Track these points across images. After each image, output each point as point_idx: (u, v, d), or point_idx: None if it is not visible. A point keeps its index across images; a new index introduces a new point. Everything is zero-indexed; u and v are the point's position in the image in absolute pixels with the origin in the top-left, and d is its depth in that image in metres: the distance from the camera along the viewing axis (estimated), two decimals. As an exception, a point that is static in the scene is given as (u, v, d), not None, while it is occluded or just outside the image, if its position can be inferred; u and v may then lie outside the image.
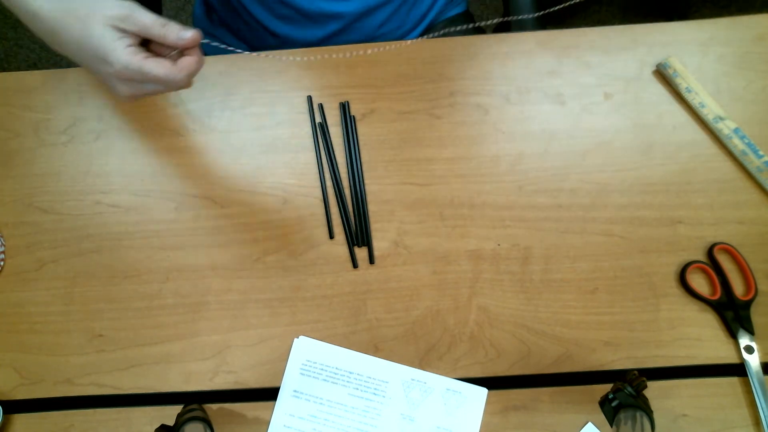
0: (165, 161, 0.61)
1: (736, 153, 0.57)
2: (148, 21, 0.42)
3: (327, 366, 0.54)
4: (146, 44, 0.45)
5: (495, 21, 0.78)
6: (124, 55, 0.42)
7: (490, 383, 0.52)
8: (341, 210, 0.58)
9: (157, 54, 0.45)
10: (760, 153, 0.57)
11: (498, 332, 0.54)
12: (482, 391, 0.52)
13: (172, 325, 0.55)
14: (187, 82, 0.45)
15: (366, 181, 0.59)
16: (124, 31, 0.43)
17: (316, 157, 0.60)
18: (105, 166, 0.61)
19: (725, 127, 0.57)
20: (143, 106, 0.63)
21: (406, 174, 0.59)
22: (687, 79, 0.59)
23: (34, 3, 0.45)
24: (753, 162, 0.57)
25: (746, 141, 0.57)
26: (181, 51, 0.45)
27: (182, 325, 0.55)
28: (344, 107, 0.62)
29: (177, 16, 1.57)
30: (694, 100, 0.58)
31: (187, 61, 0.44)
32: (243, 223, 0.58)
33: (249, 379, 0.53)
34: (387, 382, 0.53)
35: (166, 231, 0.58)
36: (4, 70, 1.51)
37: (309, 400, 0.53)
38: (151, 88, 0.45)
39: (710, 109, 0.58)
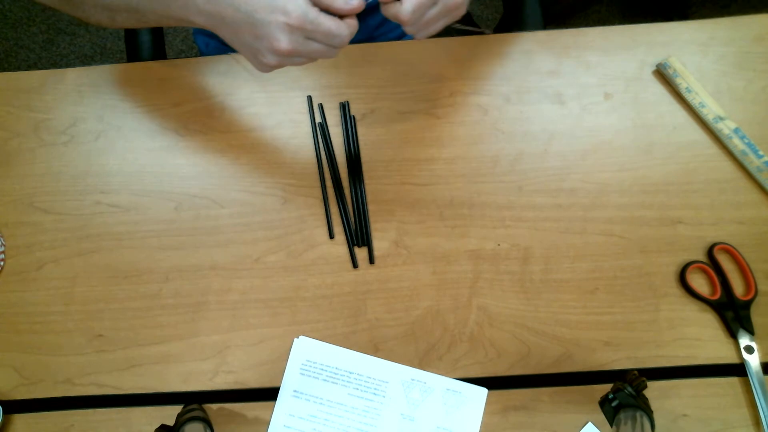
0: (165, 161, 0.61)
1: (736, 153, 0.57)
2: None
3: (327, 366, 0.54)
4: None
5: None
6: (304, 3, 0.43)
7: (490, 383, 0.52)
8: (341, 210, 0.58)
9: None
10: (760, 153, 0.57)
11: (498, 332, 0.54)
12: (482, 391, 0.52)
13: (172, 325, 0.55)
14: (346, 41, 0.46)
15: (366, 181, 0.59)
16: None
17: (316, 157, 0.60)
18: (105, 166, 0.61)
19: (725, 127, 0.58)
20: (143, 106, 0.63)
21: (406, 174, 0.59)
22: (687, 79, 0.59)
23: None
24: (753, 162, 0.57)
25: (746, 141, 0.57)
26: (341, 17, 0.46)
27: (182, 325, 0.55)
28: (344, 107, 0.62)
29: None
30: (694, 100, 0.58)
31: (353, 21, 0.45)
32: (243, 223, 0.58)
33: (249, 379, 0.53)
34: (387, 382, 0.53)
35: (166, 231, 0.58)
36: (4, 70, 1.51)
37: (309, 400, 0.53)
38: (312, 47, 0.46)
39: (710, 109, 0.58)
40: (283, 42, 0.45)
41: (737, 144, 0.57)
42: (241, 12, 0.45)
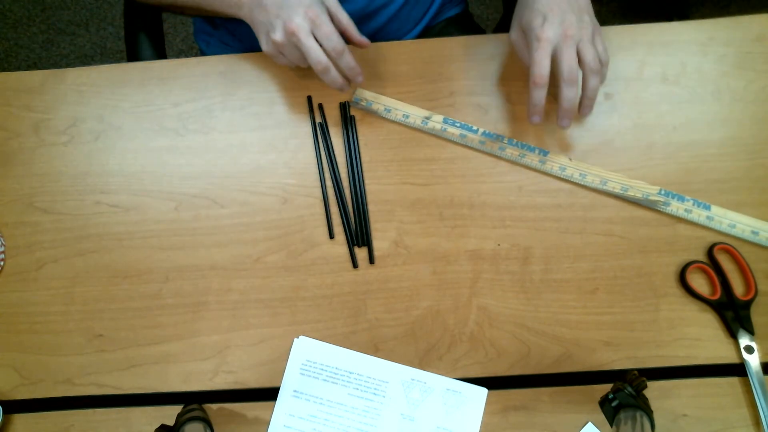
0: (165, 161, 0.61)
1: (457, 140, 0.60)
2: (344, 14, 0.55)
3: (327, 366, 0.54)
4: None
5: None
6: (321, 5, 0.53)
7: (490, 383, 0.52)
8: (341, 210, 0.58)
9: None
10: (474, 128, 0.59)
11: (498, 332, 0.54)
12: (482, 391, 0.52)
13: (172, 325, 0.55)
14: (330, 63, 0.54)
15: (366, 181, 0.59)
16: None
17: (316, 157, 0.60)
18: (105, 166, 0.61)
19: (435, 123, 0.60)
20: (143, 106, 0.63)
21: (406, 174, 0.59)
22: (380, 101, 0.61)
23: None
24: (473, 139, 0.59)
25: (457, 124, 0.59)
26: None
27: (182, 325, 0.55)
28: (344, 107, 0.62)
29: (177, 15, 1.57)
30: (397, 115, 0.60)
31: (349, 59, 0.55)
32: (243, 223, 0.58)
33: (249, 379, 0.53)
34: (387, 382, 0.53)
35: (166, 231, 0.58)
36: (4, 70, 1.51)
37: (309, 400, 0.53)
38: (310, 44, 0.53)
39: (416, 115, 0.60)
40: (295, 22, 0.52)
41: (453, 132, 0.59)
42: None
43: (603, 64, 0.53)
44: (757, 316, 0.53)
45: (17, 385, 0.54)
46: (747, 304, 0.53)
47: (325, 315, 0.55)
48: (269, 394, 0.53)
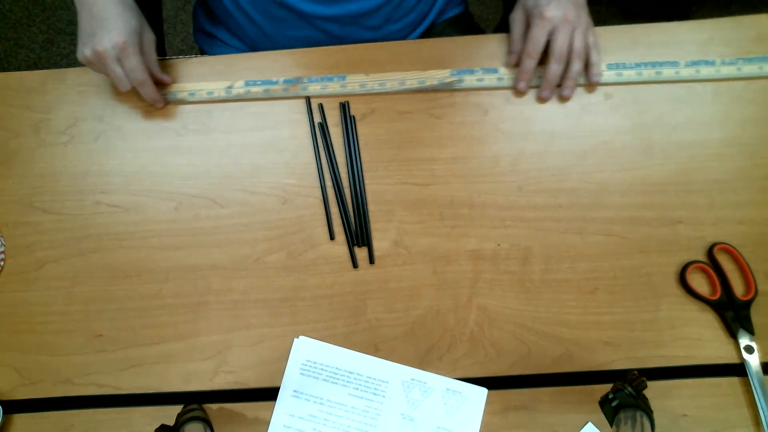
0: (165, 161, 0.61)
1: (260, 95, 0.61)
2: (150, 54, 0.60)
3: (327, 366, 0.54)
4: None
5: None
6: (135, 37, 0.57)
7: (490, 383, 0.52)
8: (341, 210, 0.58)
9: None
10: (274, 79, 0.62)
11: (498, 332, 0.54)
12: (482, 391, 0.52)
13: (172, 325, 0.55)
14: (124, 88, 0.59)
15: (366, 181, 0.59)
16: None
17: (316, 157, 0.60)
18: (105, 166, 0.61)
19: (239, 89, 0.61)
20: (143, 106, 0.63)
21: (406, 174, 0.59)
22: (183, 87, 0.63)
23: None
24: (276, 89, 0.61)
25: (259, 82, 0.62)
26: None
27: (182, 325, 0.55)
28: (344, 107, 0.62)
29: (177, 15, 1.57)
30: (201, 95, 0.62)
31: (144, 89, 0.60)
32: (243, 223, 0.58)
33: (249, 379, 0.53)
34: (387, 382, 0.53)
35: (166, 231, 0.58)
36: (4, 70, 1.51)
37: (309, 400, 0.53)
38: (101, 69, 0.59)
39: (218, 89, 0.62)
40: (103, 46, 0.56)
41: (257, 90, 0.61)
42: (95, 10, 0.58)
43: (591, 55, 0.60)
44: (757, 316, 0.53)
45: (17, 385, 0.54)
46: (747, 304, 0.53)
47: (325, 315, 0.55)
48: (269, 394, 0.53)
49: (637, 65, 0.61)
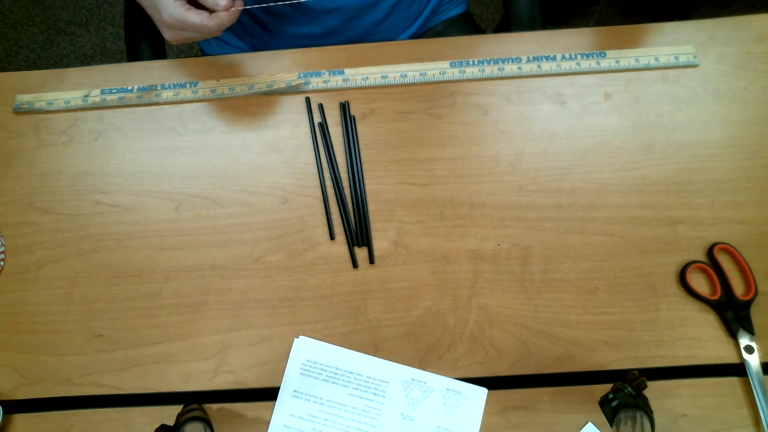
0: (165, 161, 0.61)
1: (116, 103, 0.63)
2: None
3: (327, 366, 0.54)
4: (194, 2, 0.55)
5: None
6: (170, 5, 0.53)
7: (490, 383, 0.52)
8: (341, 210, 0.58)
9: (200, 6, 0.55)
10: (129, 87, 0.63)
11: (498, 332, 0.54)
12: (482, 391, 0.52)
13: (172, 325, 0.55)
14: (217, 31, 0.55)
15: (366, 181, 0.59)
16: None
17: (316, 157, 0.60)
18: (105, 166, 0.61)
19: (95, 97, 0.62)
20: (144, 106, 0.63)
21: (406, 174, 0.59)
22: (42, 97, 0.63)
23: None
24: (131, 97, 0.62)
25: (114, 91, 0.63)
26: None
27: (182, 325, 0.55)
28: (344, 107, 0.62)
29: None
30: (59, 104, 0.62)
31: (220, 15, 0.54)
32: (243, 223, 0.58)
33: (249, 379, 0.53)
34: (387, 382, 0.53)
35: (166, 231, 0.58)
36: (4, 70, 1.51)
37: (309, 400, 0.53)
38: (189, 35, 0.56)
39: (75, 97, 0.62)
40: (167, 33, 0.56)
41: (112, 98, 0.63)
42: (144, 3, 0.57)
43: None
44: (757, 316, 0.53)
45: (17, 385, 0.54)
46: (747, 304, 0.53)
47: (325, 315, 0.55)
48: (269, 394, 0.53)
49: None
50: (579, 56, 0.62)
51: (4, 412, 0.52)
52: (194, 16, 0.53)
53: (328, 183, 0.59)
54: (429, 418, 0.52)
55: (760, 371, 0.51)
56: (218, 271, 0.57)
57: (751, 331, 0.53)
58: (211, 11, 0.54)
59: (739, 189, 0.58)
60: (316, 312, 0.55)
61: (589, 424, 0.51)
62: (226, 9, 0.53)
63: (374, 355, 0.54)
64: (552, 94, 0.62)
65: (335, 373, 0.53)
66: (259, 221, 0.58)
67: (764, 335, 0.53)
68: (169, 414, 0.52)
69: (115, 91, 0.63)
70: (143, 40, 0.77)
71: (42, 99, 0.64)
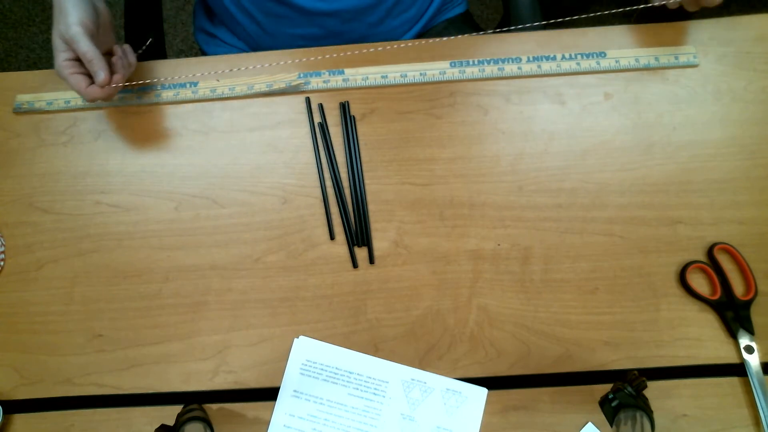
0: (165, 161, 0.61)
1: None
2: (82, 50, 0.53)
3: (327, 366, 0.54)
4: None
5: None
6: (60, 59, 0.55)
7: (490, 383, 0.52)
8: (341, 210, 0.58)
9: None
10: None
11: (498, 332, 0.54)
12: (482, 391, 0.52)
13: (172, 325, 0.55)
14: (92, 101, 0.56)
15: (366, 181, 0.59)
16: (67, 46, 0.54)
17: (316, 157, 0.60)
18: (105, 166, 0.61)
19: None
20: (144, 106, 0.63)
21: (406, 174, 0.59)
22: (41, 97, 0.64)
23: None
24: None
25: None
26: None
27: (182, 325, 0.55)
28: (344, 107, 0.62)
29: (177, 15, 1.57)
30: (59, 104, 0.63)
31: (95, 90, 0.55)
32: (243, 223, 0.58)
33: (249, 379, 0.53)
34: (387, 382, 0.53)
35: (166, 231, 0.58)
36: (4, 70, 1.51)
37: (309, 400, 0.53)
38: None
39: (76, 97, 0.62)
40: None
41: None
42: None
43: None
44: (757, 316, 0.53)
45: (17, 385, 0.54)
46: (747, 304, 0.53)
47: (325, 315, 0.55)
48: (269, 394, 0.53)
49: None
50: (579, 56, 0.62)
51: (4, 412, 0.52)
52: (74, 82, 0.55)
53: (328, 183, 0.59)
54: (429, 418, 0.52)
55: (760, 371, 0.51)
56: (218, 271, 0.57)
57: (751, 331, 0.53)
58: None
59: (739, 189, 0.58)
60: (316, 312, 0.55)
61: (589, 424, 0.51)
62: (101, 85, 0.54)
63: (374, 355, 0.54)
64: (552, 94, 0.62)
65: (335, 373, 0.53)
66: (259, 221, 0.58)
67: (764, 335, 0.53)
68: (169, 414, 0.52)
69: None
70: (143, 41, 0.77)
71: (42, 99, 0.64)
